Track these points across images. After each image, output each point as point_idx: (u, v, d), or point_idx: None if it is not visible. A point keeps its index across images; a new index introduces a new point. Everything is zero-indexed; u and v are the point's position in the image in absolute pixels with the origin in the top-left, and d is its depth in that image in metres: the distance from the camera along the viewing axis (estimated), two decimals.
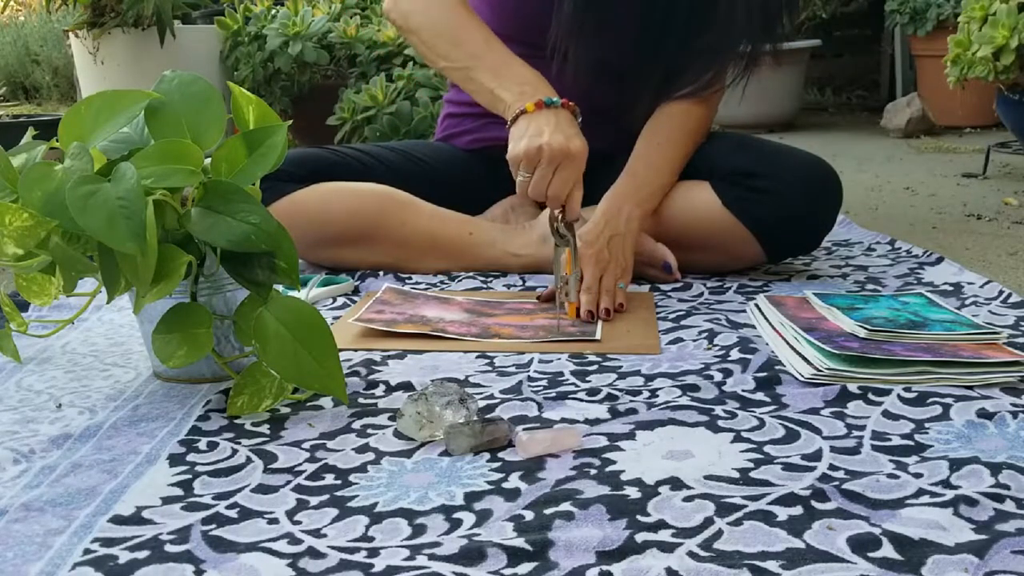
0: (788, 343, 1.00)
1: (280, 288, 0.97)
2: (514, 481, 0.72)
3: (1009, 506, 0.65)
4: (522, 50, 1.31)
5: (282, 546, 0.64)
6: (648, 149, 1.35)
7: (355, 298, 1.30)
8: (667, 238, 1.33)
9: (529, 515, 0.66)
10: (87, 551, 0.64)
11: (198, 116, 0.93)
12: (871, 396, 0.87)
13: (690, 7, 1.31)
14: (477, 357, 1.03)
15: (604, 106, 1.40)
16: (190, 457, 0.79)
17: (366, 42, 3.01)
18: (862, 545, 0.61)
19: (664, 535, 0.63)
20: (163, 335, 0.90)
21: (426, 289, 1.32)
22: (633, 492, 0.69)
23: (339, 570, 0.61)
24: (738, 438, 0.79)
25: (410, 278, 1.39)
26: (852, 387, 0.88)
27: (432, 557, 0.61)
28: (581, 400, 0.89)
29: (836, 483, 0.69)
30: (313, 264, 1.46)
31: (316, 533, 0.66)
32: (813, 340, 0.96)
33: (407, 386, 0.94)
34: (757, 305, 1.15)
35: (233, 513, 0.69)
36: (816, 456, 0.75)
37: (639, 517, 0.65)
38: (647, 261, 1.33)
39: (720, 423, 0.82)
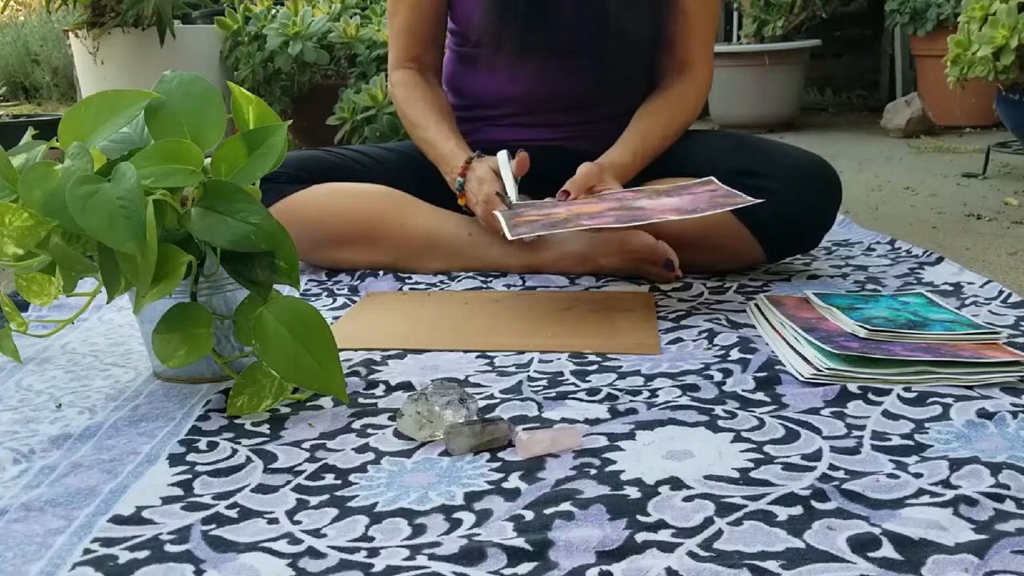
0: (788, 343, 1.00)
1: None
2: (514, 481, 0.72)
3: (1009, 506, 0.65)
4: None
5: (282, 546, 0.64)
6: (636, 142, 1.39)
7: (355, 298, 1.30)
8: (666, 237, 1.33)
9: (529, 515, 0.66)
10: (87, 551, 0.64)
11: (198, 116, 0.93)
12: (871, 396, 0.87)
13: None
14: (477, 357, 1.03)
15: (572, 93, 1.43)
16: (190, 457, 0.79)
17: (366, 42, 3.01)
18: (862, 545, 0.61)
19: (664, 535, 0.63)
20: (163, 335, 0.90)
21: (426, 290, 1.32)
22: (633, 492, 0.69)
23: (339, 570, 0.61)
24: (738, 438, 0.79)
25: (410, 278, 1.39)
26: (852, 387, 0.88)
27: (432, 557, 0.62)
28: (581, 400, 0.89)
29: (836, 483, 0.69)
30: (313, 265, 1.46)
31: (316, 533, 0.66)
32: (813, 340, 0.96)
33: (407, 386, 0.94)
34: (757, 305, 1.15)
35: (233, 513, 0.69)
36: (816, 456, 0.75)
37: (639, 517, 0.65)
38: (648, 259, 1.34)
39: (720, 423, 0.82)
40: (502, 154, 1.35)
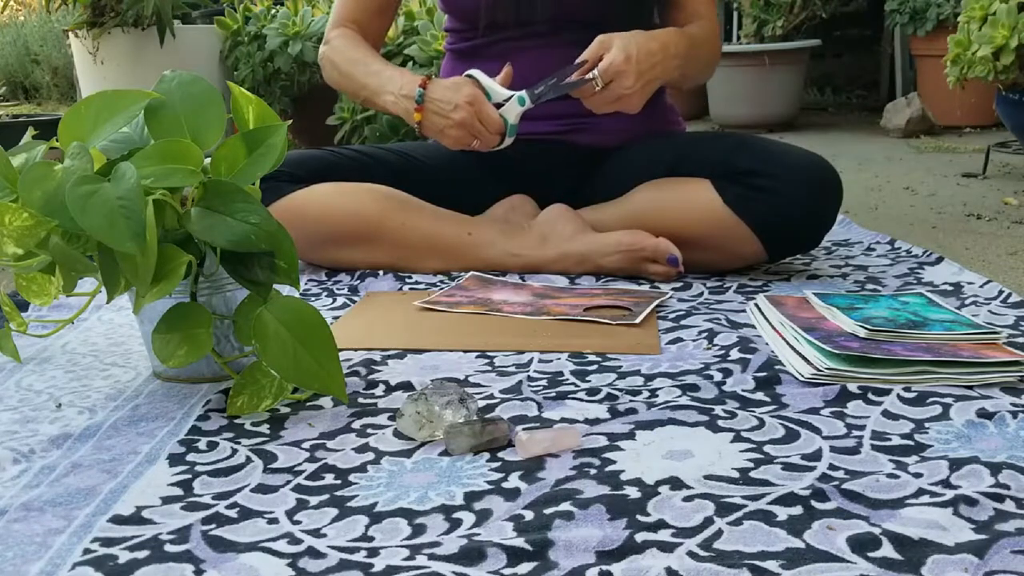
0: (788, 343, 1.00)
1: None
2: (514, 481, 0.72)
3: (1009, 506, 0.65)
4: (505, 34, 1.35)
5: (282, 546, 0.64)
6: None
7: (355, 298, 1.30)
8: (668, 236, 1.34)
9: (529, 515, 0.66)
10: (87, 551, 0.64)
11: (198, 116, 0.93)
12: (871, 396, 0.87)
13: None
14: (477, 357, 1.03)
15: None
16: (190, 457, 0.79)
17: None
18: (862, 545, 0.61)
19: (664, 535, 0.63)
20: (163, 335, 0.90)
21: (426, 290, 1.32)
22: (633, 492, 0.69)
23: (339, 570, 0.61)
24: (738, 438, 0.79)
25: (410, 278, 1.39)
26: (852, 387, 0.88)
27: (432, 557, 0.62)
28: (581, 400, 0.89)
29: (836, 483, 0.69)
30: (313, 265, 1.46)
31: (316, 533, 0.66)
32: (813, 340, 0.96)
33: (407, 386, 0.94)
34: (757, 305, 1.15)
35: (233, 513, 0.69)
36: (816, 456, 0.75)
37: (639, 517, 0.65)
38: (650, 257, 1.34)
39: (720, 423, 0.82)
40: (476, 70, 1.33)
